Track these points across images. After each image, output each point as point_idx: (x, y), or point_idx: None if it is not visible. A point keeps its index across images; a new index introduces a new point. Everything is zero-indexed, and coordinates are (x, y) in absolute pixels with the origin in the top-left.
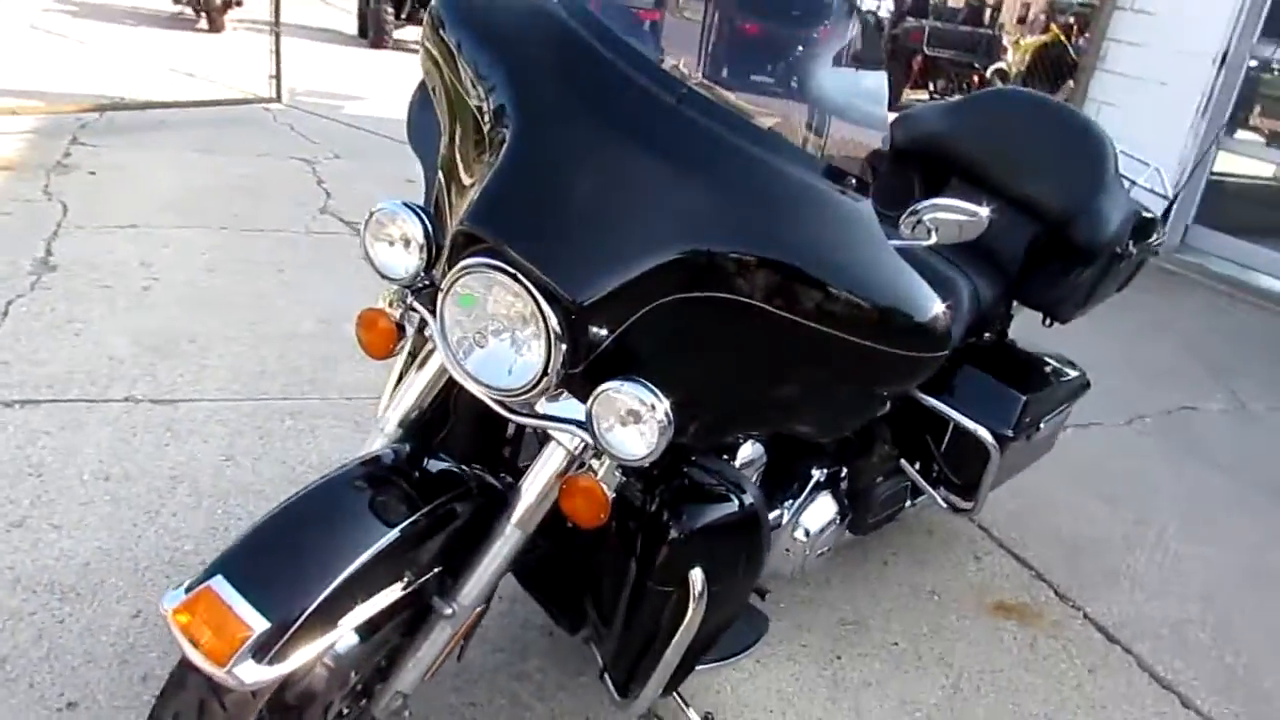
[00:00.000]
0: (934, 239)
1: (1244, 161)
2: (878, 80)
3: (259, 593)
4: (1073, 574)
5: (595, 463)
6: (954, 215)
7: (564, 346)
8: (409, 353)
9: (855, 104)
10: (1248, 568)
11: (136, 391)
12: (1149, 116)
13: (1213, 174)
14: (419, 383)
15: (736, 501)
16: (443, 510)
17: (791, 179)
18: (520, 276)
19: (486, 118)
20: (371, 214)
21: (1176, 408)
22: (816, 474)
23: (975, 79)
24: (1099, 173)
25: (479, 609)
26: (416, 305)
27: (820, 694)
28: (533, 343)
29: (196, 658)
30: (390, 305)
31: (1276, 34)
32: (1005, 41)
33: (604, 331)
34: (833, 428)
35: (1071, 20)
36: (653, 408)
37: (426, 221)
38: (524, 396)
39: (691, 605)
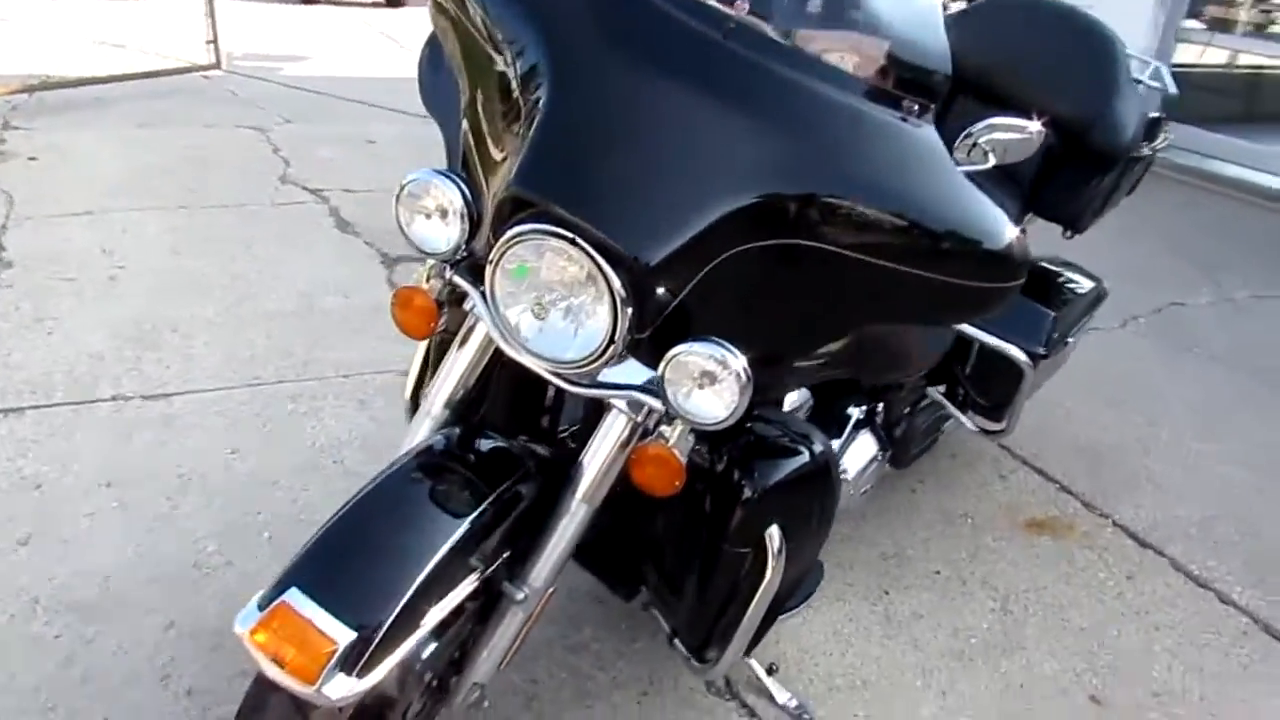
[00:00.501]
0: (992, 161)
1: (1200, 51)
2: (931, 6)
3: (338, 603)
4: (1096, 483)
5: (666, 429)
6: (1009, 135)
7: (630, 311)
8: (445, 330)
9: (912, 33)
10: (1260, 460)
11: (124, 389)
12: (1110, 12)
13: (1172, 66)
14: (462, 361)
15: (807, 453)
16: (508, 495)
17: (854, 110)
18: (579, 240)
19: (516, 73)
20: (403, 186)
21: (1166, 305)
22: (855, 412)
23: None
24: (1111, 75)
25: (550, 590)
26: (458, 279)
27: (875, 631)
28: (596, 309)
29: (281, 677)
30: (427, 281)
31: None
32: None
33: (671, 291)
34: (905, 367)
35: None
36: (729, 366)
37: (465, 189)
38: (588, 368)
39: (770, 564)
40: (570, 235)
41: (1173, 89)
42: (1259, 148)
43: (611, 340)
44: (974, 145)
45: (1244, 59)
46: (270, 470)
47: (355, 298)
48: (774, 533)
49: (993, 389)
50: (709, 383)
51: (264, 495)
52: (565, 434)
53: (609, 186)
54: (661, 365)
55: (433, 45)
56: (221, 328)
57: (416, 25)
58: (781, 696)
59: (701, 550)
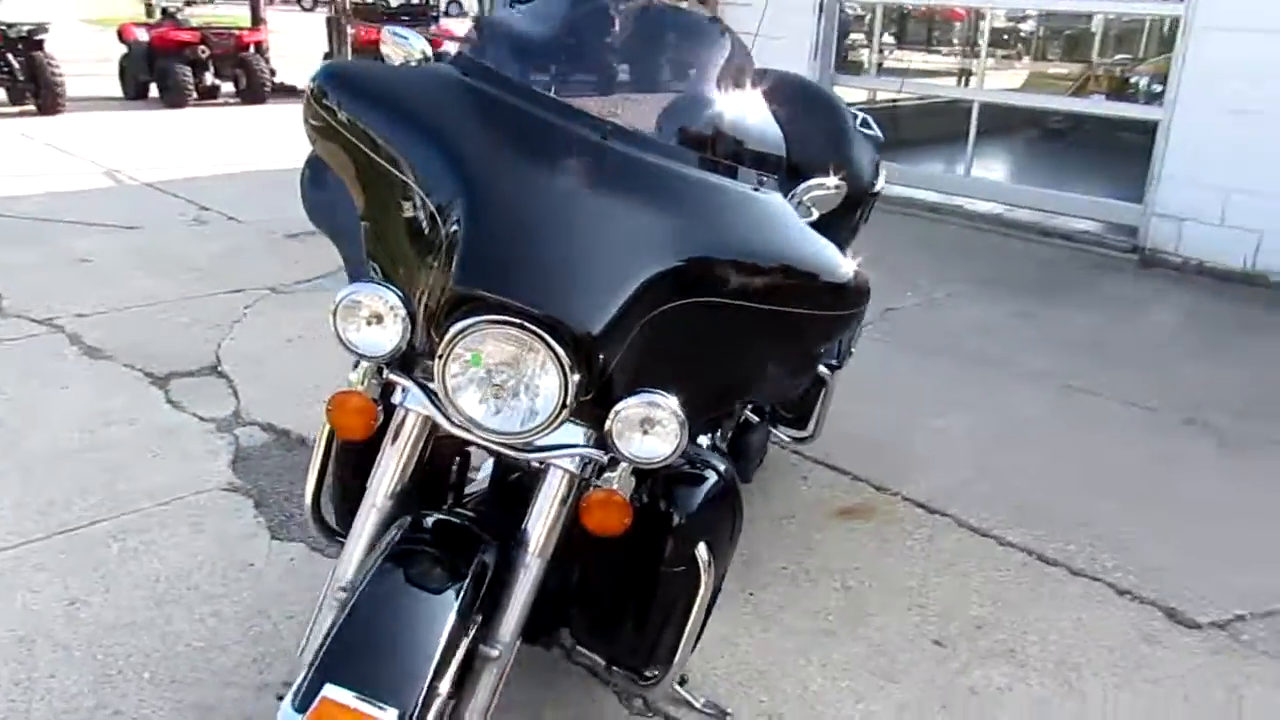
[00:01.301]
0: (815, 214)
1: (851, 92)
2: (762, 103)
3: (374, 690)
4: (879, 468)
5: (610, 474)
6: (823, 191)
7: (577, 377)
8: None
9: (754, 125)
10: (990, 427)
11: None
12: (779, 65)
13: None
14: (400, 452)
15: (716, 475)
16: (478, 567)
17: (720, 188)
18: (526, 324)
19: (418, 184)
20: (340, 300)
21: (884, 311)
22: (704, 440)
23: None
24: (845, 128)
25: (517, 642)
26: (394, 376)
27: (754, 627)
28: (544, 382)
29: None
30: (362, 383)
31: None
32: None
33: (607, 356)
34: (789, 390)
35: None
36: (667, 409)
37: (401, 294)
38: (536, 436)
39: (703, 577)
40: (518, 320)
41: (880, 134)
42: (908, 168)
43: (564, 405)
44: (799, 203)
45: (881, 95)
46: (121, 612)
47: (141, 423)
48: (702, 550)
49: (799, 401)
50: (649, 428)
51: (125, 637)
52: (469, 500)
53: (540, 274)
54: (609, 420)
55: (313, 164)
56: (2, 477)
57: (81, 131)
58: (698, 702)
59: (639, 578)
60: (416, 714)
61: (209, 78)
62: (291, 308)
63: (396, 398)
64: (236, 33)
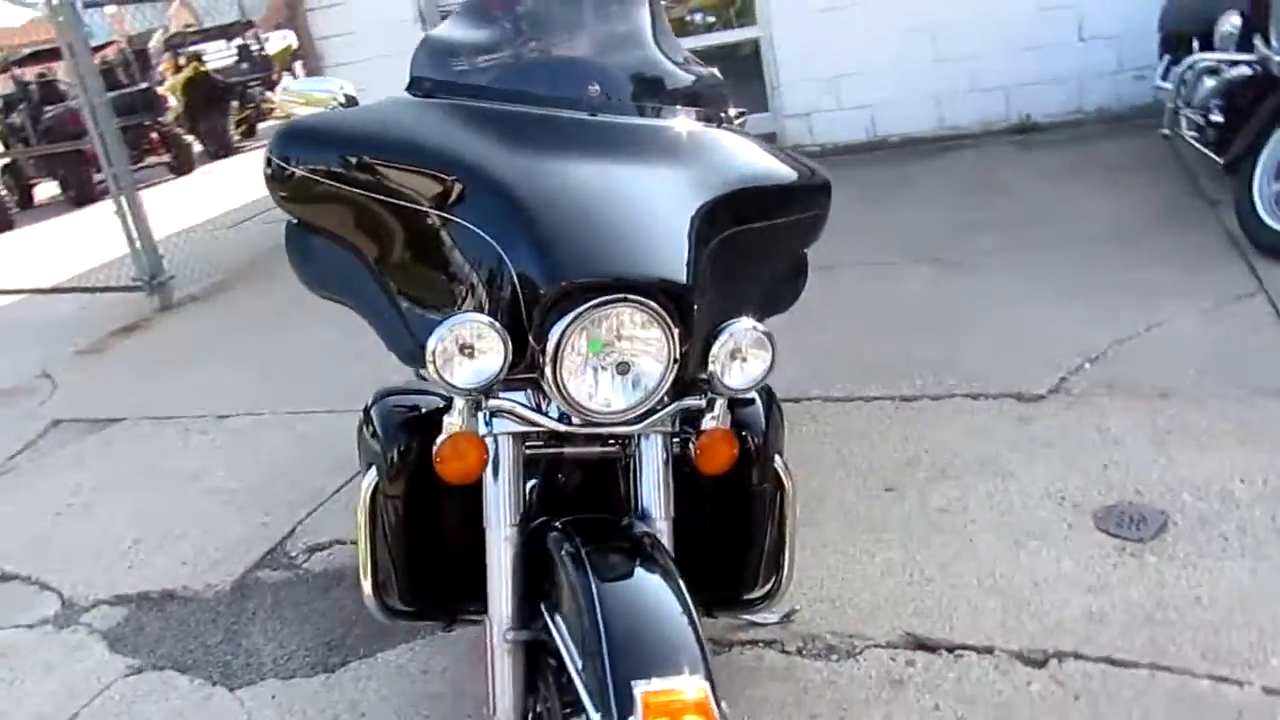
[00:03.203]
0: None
1: None
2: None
3: (675, 667)
4: None
5: (713, 413)
6: (740, 121)
7: (678, 332)
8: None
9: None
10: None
11: None
12: (395, 88)
13: None
14: (508, 479)
15: (759, 394)
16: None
17: (699, 130)
18: (629, 296)
19: (444, 210)
20: (436, 342)
21: None
22: None
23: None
24: None
25: None
26: (499, 401)
27: None
28: (655, 346)
29: None
30: (463, 423)
31: None
32: (163, 89)
33: (698, 302)
34: (794, 296)
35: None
36: (758, 332)
37: (494, 319)
38: (653, 403)
39: (787, 484)
40: (621, 295)
41: None
42: None
43: (675, 361)
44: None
45: None
46: None
47: None
48: (779, 462)
49: None
50: (741, 357)
51: None
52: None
53: (620, 245)
54: (710, 363)
55: (292, 235)
56: None
57: None
58: (771, 617)
59: (730, 510)
60: (710, 675)
61: None
62: (32, 479)
63: (481, 429)
64: None
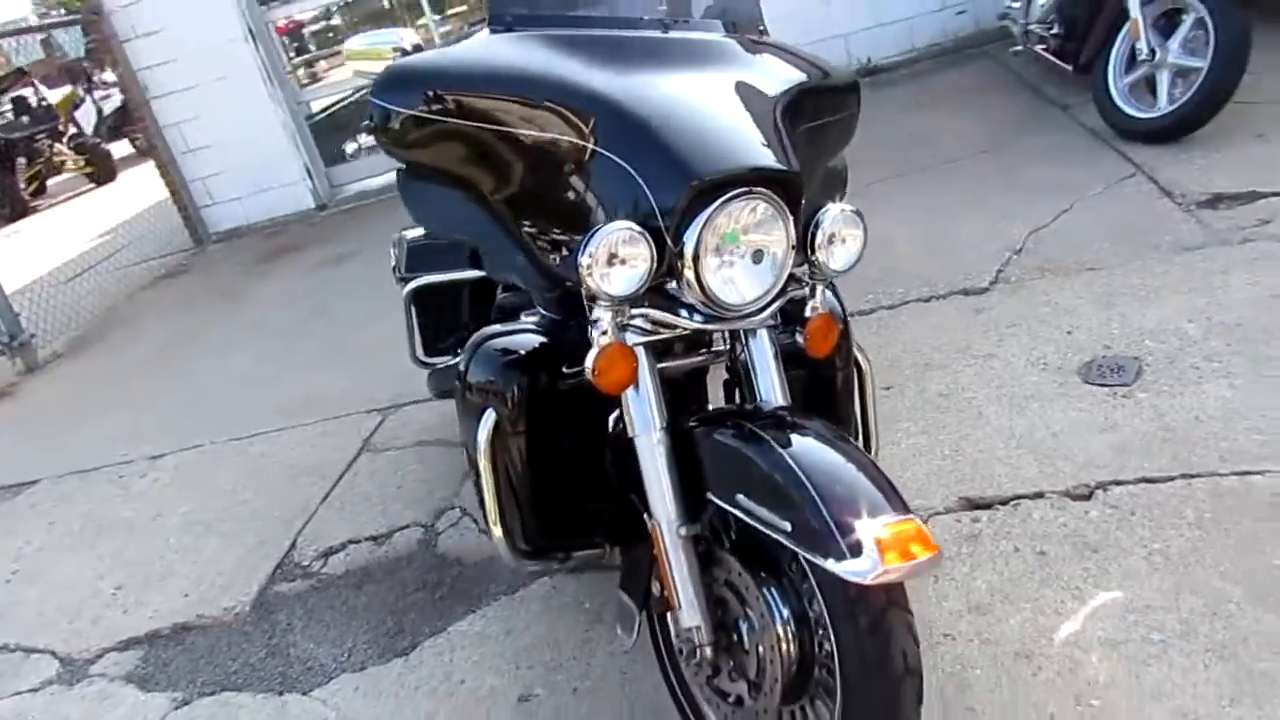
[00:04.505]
0: None
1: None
2: None
3: (888, 508)
4: None
5: (814, 300)
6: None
7: (790, 217)
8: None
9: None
10: None
11: None
12: (233, 111)
13: (309, 117)
14: (648, 384)
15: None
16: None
17: (760, 44)
18: (757, 189)
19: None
20: (595, 249)
21: None
22: None
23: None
24: None
25: None
26: (652, 310)
27: None
28: (777, 234)
29: (912, 570)
30: (611, 334)
31: None
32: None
33: (800, 187)
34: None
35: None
36: (850, 212)
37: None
38: (781, 284)
39: (865, 366)
40: (745, 190)
41: None
42: None
43: (793, 247)
44: None
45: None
46: None
47: None
48: (855, 344)
49: None
50: (840, 239)
51: None
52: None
53: (740, 142)
54: (815, 249)
55: (405, 183)
56: None
57: None
58: None
59: (825, 391)
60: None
61: None
62: None
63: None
64: None
